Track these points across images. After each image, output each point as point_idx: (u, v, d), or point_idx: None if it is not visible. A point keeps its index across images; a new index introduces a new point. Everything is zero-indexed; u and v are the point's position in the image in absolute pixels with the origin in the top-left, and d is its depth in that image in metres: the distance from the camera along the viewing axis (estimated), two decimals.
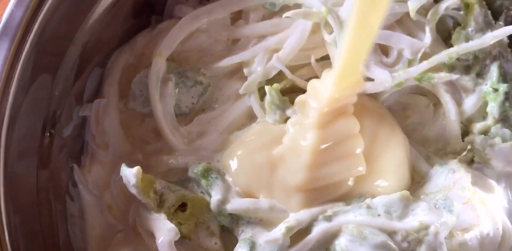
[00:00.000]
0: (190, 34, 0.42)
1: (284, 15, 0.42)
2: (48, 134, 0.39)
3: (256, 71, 0.41)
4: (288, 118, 0.40)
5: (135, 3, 0.44)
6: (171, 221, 0.35)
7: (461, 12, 0.44)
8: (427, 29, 0.44)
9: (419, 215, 0.36)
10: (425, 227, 0.35)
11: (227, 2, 0.43)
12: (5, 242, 0.32)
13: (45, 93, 0.38)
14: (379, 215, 0.36)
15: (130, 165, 0.36)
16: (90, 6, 0.40)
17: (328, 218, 0.36)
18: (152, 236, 0.35)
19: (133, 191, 0.34)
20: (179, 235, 0.34)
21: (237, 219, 0.37)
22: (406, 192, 0.36)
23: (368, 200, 0.36)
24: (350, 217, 0.36)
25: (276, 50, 0.42)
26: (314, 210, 0.36)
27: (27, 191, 0.36)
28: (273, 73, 0.42)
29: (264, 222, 0.37)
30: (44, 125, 0.38)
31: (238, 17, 0.44)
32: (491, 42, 0.42)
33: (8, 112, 0.34)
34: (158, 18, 0.46)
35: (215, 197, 0.36)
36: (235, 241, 0.37)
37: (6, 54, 0.34)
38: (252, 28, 0.43)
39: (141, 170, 0.35)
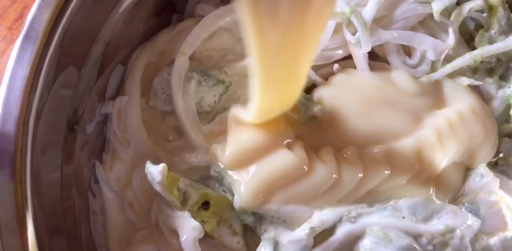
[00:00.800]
0: (212, 33, 0.43)
1: None
2: (71, 131, 0.38)
3: None
4: None
5: (156, 2, 0.45)
6: (194, 219, 0.34)
7: (484, 14, 0.44)
8: (450, 30, 0.44)
9: (444, 218, 0.35)
10: (450, 230, 0.35)
11: None
12: (33, 239, 0.32)
13: (69, 91, 0.38)
14: (403, 217, 0.35)
15: (152, 162, 0.36)
16: (113, 5, 0.41)
17: (352, 219, 0.36)
18: (175, 234, 0.35)
19: (158, 188, 0.34)
20: (203, 233, 0.34)
21: (260, 218, 0.37)
22: (430, 194, 0.36)
23: (392, 202, 0.36)
24: (374, 219, 0.35)
25: None
26: (338, 210, 0.36)
27: (52, 187, 0.36)
28: None
29: (288, 222, 0.36)
30: (67, 122, 0.38)
31: None
32: None
33: (34, 109, 0.34)
34: (180, 16, 0.47)
35: (237, 195, 0.36)
36: (257, 241, 0.37)
37: (32, 53, 0.34)
38: None
39: (166, 168, 0.34)
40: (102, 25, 0.40)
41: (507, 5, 0.44)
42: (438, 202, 0.36)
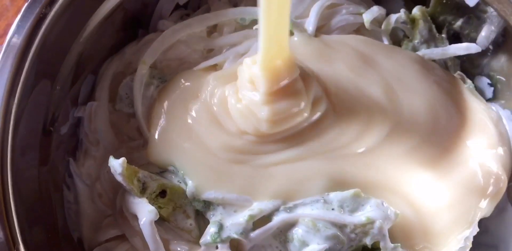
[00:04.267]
0: (171, 45, 0.47)
1: (254, 27, 0.48)
2: (47, 133, 0.42)
3: None
4: None
5: (124, 18, 0.48)
6: (152, 205, 0.39)
7: (408, 26, 0.50)
8: (384, 38, 0.50)
9: (367, 210, 0.39)
10: (371, 222, 0.39)
11: (204, 17, 0.48)
12: (14, 228, 0.36)
13: (45, 97, 0.41)
14: (333, 209, 0.39)
15: (117, 157, 0.40)
16: (85, 20, 0.44)
17: (288, 209, 0.40)
18: (136, 218, 0.39)
19: (119, 178, 0.39)
20: (158, 216, 0.39)
21: (208, 204, 0.41)
22: (358, 190, 0.40)
23: (324, 195, 0.40)
24: (307, 210, 0.39)
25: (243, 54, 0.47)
26: (276, 202, 0.40)
27: (30, 183, 0.40)
28: None
29: (233, 207, 0.40)
30: (44, 124, 0.41)
31: (213, 30, 0.49)
32: (453, 54, 0.48)
33: (13, 114, 0.37)
34: (144, 31, 0.50)
35: (190, 186, 0.41)
36: (207, 223, 0.41)
37: (12, 63, 0.37)
38: (225, 38, 0.48)
39: (126, 161, 0.39)
40: (75, 39, 0.43)
41: (429, 17, 0.50)
42: (364, 196, 0.40)
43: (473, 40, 0.48)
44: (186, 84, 0.45)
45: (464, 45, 0.48)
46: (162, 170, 0.43)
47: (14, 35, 0.38)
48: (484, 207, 0.42)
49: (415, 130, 0.43)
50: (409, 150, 0.42)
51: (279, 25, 0.35)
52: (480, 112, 0.45)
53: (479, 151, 0.44)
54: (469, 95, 0.47)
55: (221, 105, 0.42)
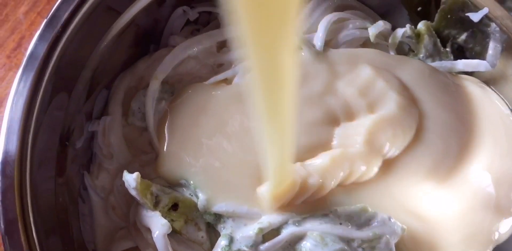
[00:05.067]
0: (182, 60, 0.48)
1: None
2: (63, 146, 0.43)
3: None
4: None
5: (136, 34, 0.49)
6: (165, 219, 0.40)
7: (413, 40, 0.50)
8: (391, 52, 0.51)
9: (373, 226, 0.40)
10: (378, 237, 0.39)
11: (214, 33, 0.49)
12: (33, 238, 0.37)
13: (61, 112, 0.42)
14: (340, 223, 0.40)
15: (130, 172, 0.41)
16: (100, 37, 0.45)
17: (297, 223, 0.40)
18: (149, 231, 0.40)
19: (133, 193, 0.40)
20: (171, 229, 0.39)
21: (219, 217, 0.42)
22: (366, 205, 0.41)
23: (332, 210, 0.41)
24: (315, 224, 0.40)
25: None
26: (285, 215, 0.40)
27: (47, 195, 0.40)
28: None
29: (243, 220, 0.41)
30: (60, 138, 0.43)
31: (223, 45, 0.50)
32: (461, 69, 0.49)
33: (32, 129, 0.39)
34: (156, 46, 0.52)
35: (202, 199, 0.42)
36: (218, 235, 0.42)
37: (32, 79, 0.39)
38: (234, 53, 0.48)
39: (139, 175, 0.40)
40: (90, 55, 0.44)
41: (434, 32, 0.51)
42: (371, 211, 0.40)
43: (477, 53, 0.49)
44: (195, 97, 0.46)
45: (475, 62, 0.48)
46: (174, 183, 0.44)
47: (32, 52, 0.40)
48: (501, 228, 0.42)
49: (434, 143, 0.43)
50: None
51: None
52: (491, 118, 0.45)
53: (491, 162, 0.43)
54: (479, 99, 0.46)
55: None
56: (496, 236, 0.42)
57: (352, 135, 0.42)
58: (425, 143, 0.43)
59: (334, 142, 0.43)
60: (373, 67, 0.45)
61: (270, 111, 0.29)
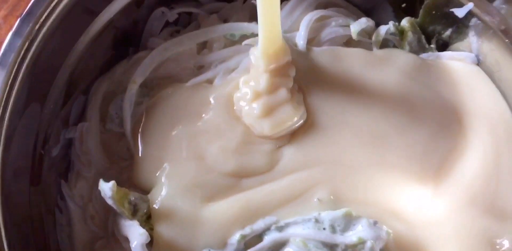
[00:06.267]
0: (161, 63, 0.47)
1: (243, 43, 0.47)
2: (38, 154, 0.42)
3: None
4: None
5: (114, 37, 0.48)
6: (143, 227, 0.39)
7: (397, 37, 0.49)
8: (375, 49, 0.50)
9: (358, 230, 0.39)
10: (362, 242, 0.38)
11: (194, 34, 0.48)
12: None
13: (36, 118, 0.41)
14: (324, 228, 0.39)
15: (108, 179, 0.40)
16: (76, 39, 0.44)
17: (280, 229, 0.40)
18: (127, 240, 0.39)
19: (110, 202, 0.39)
20: (149, 238, 0.38)
21: None
22: (350, 210, 0.40)
23: (316, 214, 0.40)
24: (298, 229, 0.39)
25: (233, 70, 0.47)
26: (268, 220, 0.40)
27: (21, 206, 0.40)
28: None
29: None
30: (35, 146, 0.42)
31: (203, 46, 0.49)
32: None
33: (4, 135, 0.37)
34: (135, 49, 0.50)
35: None
36: None
37: (2, 82, 0.37)
38: (215, 55, 0.48)
39: (115, 184, 0.39)
40: (65, 58, 0.43)
41: (418, 28, 0.50)
42: (355, 215, 0.39)
43: (461, 50, 0.48)
44: (173, 99, 0.45)
45: (463, 54, 0.48)
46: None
47: (3, 54, 0.38)
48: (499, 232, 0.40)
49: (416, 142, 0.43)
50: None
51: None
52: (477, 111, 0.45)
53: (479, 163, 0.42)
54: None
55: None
56: (492, 239, 0.41)
57: None
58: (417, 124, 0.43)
59: None
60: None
61: None
